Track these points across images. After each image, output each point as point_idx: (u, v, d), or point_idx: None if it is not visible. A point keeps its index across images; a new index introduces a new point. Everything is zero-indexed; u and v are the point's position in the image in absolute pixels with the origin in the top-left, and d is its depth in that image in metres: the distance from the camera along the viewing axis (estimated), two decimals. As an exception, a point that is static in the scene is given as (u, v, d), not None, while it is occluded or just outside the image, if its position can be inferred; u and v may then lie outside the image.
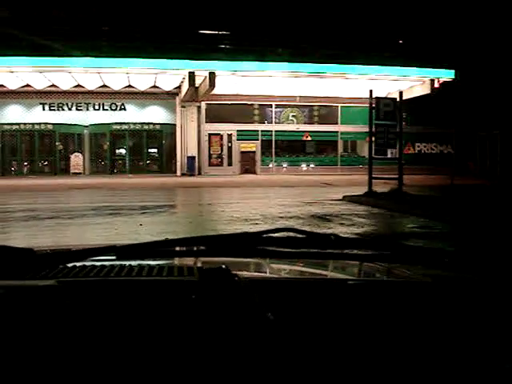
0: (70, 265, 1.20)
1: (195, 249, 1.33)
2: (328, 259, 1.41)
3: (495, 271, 1.30)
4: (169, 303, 0.93)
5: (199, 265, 1.31)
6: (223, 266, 0.96)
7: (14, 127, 30.64)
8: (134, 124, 31.54)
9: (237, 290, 0.90)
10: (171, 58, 25.38)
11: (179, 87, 29.31)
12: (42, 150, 31.48)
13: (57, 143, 31.28)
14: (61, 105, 31.04)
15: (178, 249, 1.33)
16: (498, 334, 0.87)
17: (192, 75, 25.93)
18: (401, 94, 15.97)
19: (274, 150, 32.20)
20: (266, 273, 1.38)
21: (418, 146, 33.74)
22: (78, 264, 1.21)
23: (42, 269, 1.14)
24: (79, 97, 30.55)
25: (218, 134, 31.36)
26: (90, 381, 0.69)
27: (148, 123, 31.64)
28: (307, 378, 0.69)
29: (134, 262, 1.24)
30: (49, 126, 30.98)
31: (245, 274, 1.19)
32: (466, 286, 1.16)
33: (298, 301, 0.97)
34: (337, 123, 32.70)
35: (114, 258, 1.23)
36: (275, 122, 32.19)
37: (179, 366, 0.71)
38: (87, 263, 1.22)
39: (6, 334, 0.81)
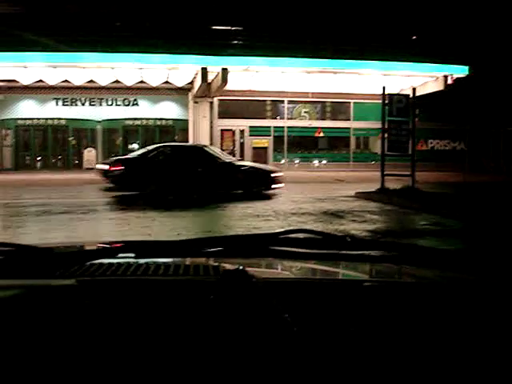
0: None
1: (211, 249, 1.33)
2: (343, 260, 1.41)
3: (508, 272, 1.29)
4: (187, 303, 0.93)
5: (215, 264, 1.32)
6: (240, 267, 0.97)
7: (28, 122, 30.76)
8: (147, 119, 31.57)
9: (254, 291, 0.90)
10: (184, 54, 25.39)
11: (192, 83, 29.29)
12: (55, 145, 31.57)
13: (70, 138, 31.40)
14: (74, 100, 31.11)
15: (194, 248, 1.34)
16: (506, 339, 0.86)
17: (204, 71, 25.92)
18: (414, 90, 15.92)
19: (286, 146, 32.12)
20: (282, 273, 1.38)
21: (431, 143, 33.53)
22: (95, 262, 1.22)
23: (60, 267, 1.15)
24: (92, 92, 30.60)
25: (231, 130, 31.32)
26: (107, 378, 0.69)
27: (160, 119, 31.66)
28: (324, 380, 0.69)
29: (150, 261, 1.25)
30: (62, 121, 31.08)
31: (261, 274, 1.20)
32: (480, 288, 1.15)
33: (315, 302, 0.97)
34: (349, 119, 32.56)
35: (130, 255, 1.24)
36: (287, 118, 32.10)
37: (197, 366, 0.72)
38: (104, 261, 1.23)
39: (26, 333, 0.82)
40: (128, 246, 1.24)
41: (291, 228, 1.35)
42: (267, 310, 0.86)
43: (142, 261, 1.24)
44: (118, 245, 1.30)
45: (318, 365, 0.72)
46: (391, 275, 1.45)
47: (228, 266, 1.28)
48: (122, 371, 0.71)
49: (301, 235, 1.25)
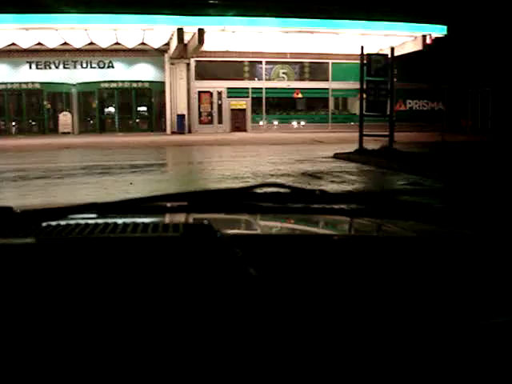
0: (53, 223, 1.18)
1: (180, 205, 1.31)
2: (314, 214, 1.39)
3: (484, 226, 1.29)
4: (150, 260, 0.91)
5: (185, 221, 1.30)
6: (205, 222, 0.94)
7: (1, 87, 30.15)
8: (123, 82, 31.13)
9: (218, 245, 0.88)
10: (159, 14, 24.94)
11: (168, 44, 28.90)
12: (30, 110, 31.14)
13: (45, 102, 30.92)
14: (48, 63, 30.55)
15: (162, 205, 1.31)
16: (485, 289, 0.86)
17: (180, 31, 25.52)
18: (392, 50, 15.84)
19: (264, 108, 31.97)
20: (250, 228, 1.37)
21: (410, 103, 33.57)
22: (62, 223, 1.18)
23: (22, 227, 1.11)
24: (66, 55, 30.05)
25: (208, 92, 31.05)
26: (69, 343, 0.67)
27: (137, 81, 31.26)
28: (287, 334, 0.68)
29: (119, 220, 1.21)
30: (36, 84, 30.54)
31: (229, 229, 1.19)
32: (455, 241, 1.14)
33: (282, 256, 0.95)
34: (328, 80, 32.44)
35: (92, 215, 1.21)
36: (266, 79, 31.89)
37: (160, 323, 0.70)
38: (71, 222, 1.19)
39: None
40: (93, 204, 1.21)
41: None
42: (231, 264, 0.84)
43: (110, 220, 1.21)
44: (83, 204, 1.25)
45: (281, 319, 0.71)
46: (361, 229, 1.44)
47: (193, 222, 1.26)
48: (85, 331, 0.69)
49: (270, 189, 1.23)
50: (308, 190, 1.25)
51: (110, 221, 1.20)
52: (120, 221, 1.20)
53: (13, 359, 0.64)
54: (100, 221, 1.19)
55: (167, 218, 1.36)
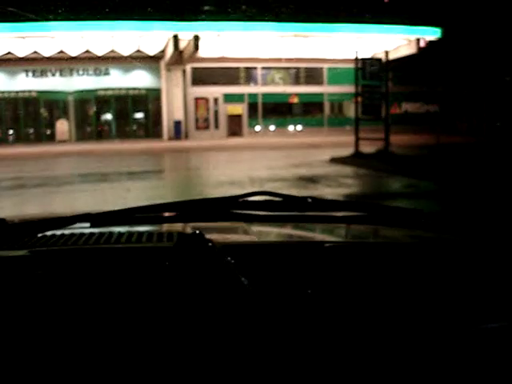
0: (48, 234, 1.18)
1: (173, 214, 1.32)
2: (305, 222, 1.39)
3: (476, 231, 1.28)
4: (143, 270, 0.91)
5: (178, 230, 1.30)
6: (197, 231, 0.94)
7: (-2, 95, 30.22)
8: (119, 89, 31.14)
9: (210, 255, 0.87)
10: (155, 20, 24.97)
11: (163, 51, 28.87)
12: (27, 118, 31.06)
13: (41, 110, 30.88)
14: (44, 71, 30.51)
15: (155, 215, 1.32)
16: (476, 295, 0.87)
17: (176, 39, 25.57)
18: (387, 53, 15.89)
19: (260, 113, 31.95)
20: (241, 237, 1.35)
21: (405, 106, 33.60)
22: (57, 233, 1.19)
23: (17, 239, 1.12)
24: (63, 63, 29.96)
25: (204, 98, 31.01)
26: (61, 353, 0.68)
27: (133, 88, 31.25)
28: (279, 341, 0.69)
29: (114, 230, 1.22)
30: (33, 93, 30.53)
31: (220, 238, 1.19)
32: (445, 247, 1.14)
33: (275, 265, 0.96)
34: (323, 84, 32.46)
35: (85, 225, 1.21)
36: (261, 85, 31.88)
37: (152, 332, 0.72)
38: (66, 232, 1.20)
39: None
40: (83, 216, 1.20)
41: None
42: (224, 274, 0.83)
43: (105, 230, 1.21)
44: (76, 215, 1.25)
45: (273, 328, 0.72)
46: (353, 236, 1.44)
47: (186, 231, 1.27)
48: (78, 341, 0.71)
49: (262, 197, 1.24)
50: (300, 198, 1.25)
51: (104, 231, 1.21)
52: (114, 231, 1.21)
53: (9, 365, 0.66)
54: (95, 231, 1.20)
55: (160, 228, 1.36)
